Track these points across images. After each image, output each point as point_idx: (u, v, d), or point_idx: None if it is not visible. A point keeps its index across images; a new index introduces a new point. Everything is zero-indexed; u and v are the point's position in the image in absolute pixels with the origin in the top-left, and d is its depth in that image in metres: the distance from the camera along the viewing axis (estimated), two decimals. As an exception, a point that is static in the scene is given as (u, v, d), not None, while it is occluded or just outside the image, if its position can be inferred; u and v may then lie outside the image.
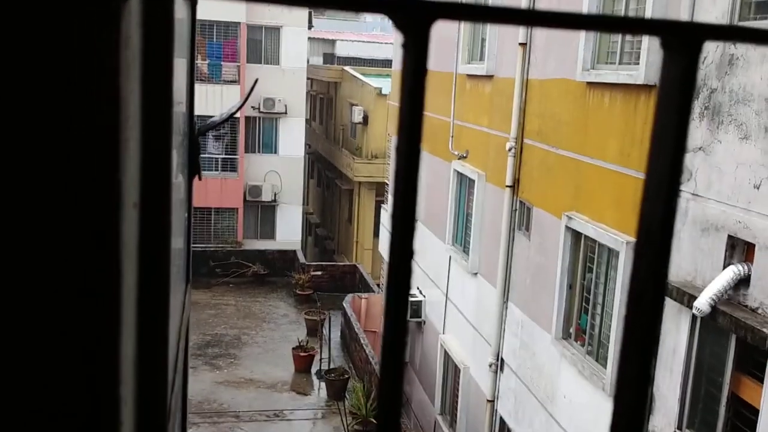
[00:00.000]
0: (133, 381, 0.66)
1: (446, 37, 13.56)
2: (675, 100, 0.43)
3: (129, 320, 0.58)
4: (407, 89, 0.45)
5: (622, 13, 8.25)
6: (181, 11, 1.22)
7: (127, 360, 0.58)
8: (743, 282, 6.12)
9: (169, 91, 0.71)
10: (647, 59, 7.46)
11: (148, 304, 0.67)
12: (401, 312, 0.43)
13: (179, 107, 1.36)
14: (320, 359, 17.59)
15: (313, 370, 17.86)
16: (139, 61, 0.57)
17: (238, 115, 25.24)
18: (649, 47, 7.45)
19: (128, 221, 0.54)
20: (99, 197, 0.46)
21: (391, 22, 0.44)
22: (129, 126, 0.51)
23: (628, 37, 8.19)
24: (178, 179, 1.23)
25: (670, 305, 7.01)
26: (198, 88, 26.32)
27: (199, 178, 1.63)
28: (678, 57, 0.43)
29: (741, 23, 6.31)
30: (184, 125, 1.45)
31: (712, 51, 6.56)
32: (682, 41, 0.43)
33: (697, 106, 6.78)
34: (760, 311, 5.96)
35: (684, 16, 6.89)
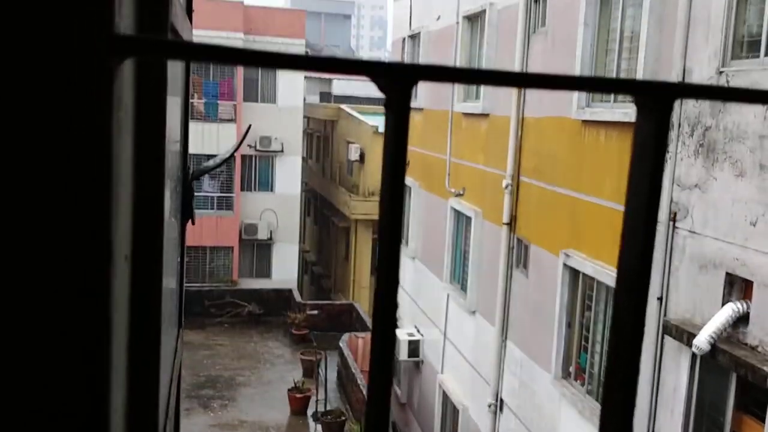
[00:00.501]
0: (124, 430, 0.65)
1: (441, 77, 13.71)
2: (648, 156, 0.44)
3: (119, 371, 0.57)
4: (389, 146, 0.45)
5: (616, 56, 8.37)
6: (174, 62, 1.23)
7: (117, 411, 0.58)
8: (742, 319, 6.09)
9: (162, 147, 0.72)
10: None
11: (139, 355, 0.66)
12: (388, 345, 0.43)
13: (173, 152, 1.37)
14: (316, 400, 17.37)
15: (309, 411, 17.62)
16: (132, 118, 0.57)
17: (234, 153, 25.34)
18: (642, 86, 7.53)
19: (119, 274, 0.53)
20: (89, 253, 0.46)
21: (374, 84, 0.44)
22: (121, 182, 0.51)
23: (623, 75, 8.30)
24: (171, 223, 1.23)
25: (669, 343, 6.97)
26: (194, 126, 26.43)
27: (192, 223, 1.63)
28: (650, 115, 0.43)
29: (733, 62, 6.39)
30: (177, 171, 1.46)
31: (703, 90, 6.63)
32: (654, 100, 0.43)
33: (692, 144, 6.83)
34: (759, 349, 5.92)
35: (677, 55, 6.99)
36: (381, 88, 0.44)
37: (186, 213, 1.52)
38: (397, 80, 0.43)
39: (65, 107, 0.43)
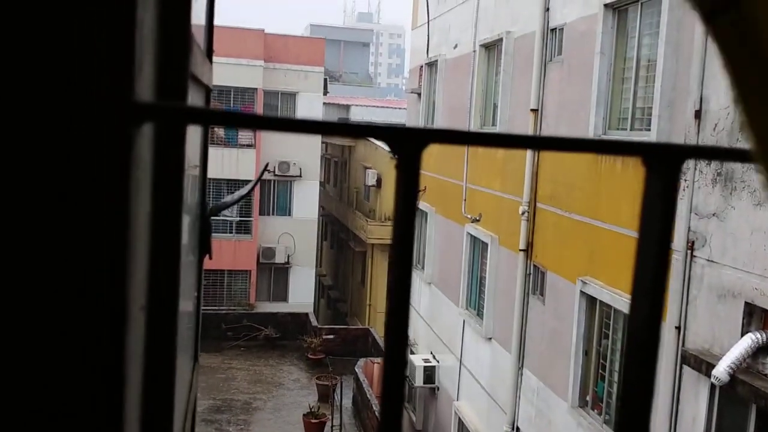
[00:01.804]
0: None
1: (459, 102, 13.79)
2: (657, 217, 0.45)
3: (131, 419, 0.58)
4: (400, 206, 0.47)
5: (632, 84, 8.37)
6: (196, 101, 1.26)
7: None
8: (762, 350, 6.01)
9: (179, 199, 0.74)
10: (659, 125, 7.53)
11: (152, 402, 0.68)
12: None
13: (192, 187, 1.39)
14: (332, 426, 17.25)
15: (325, 436, 17.51)
16: (149, 174, 0.60)
17: (253, 178, 25.53)
18: (660, 114, 7.53)
19: (134, 324, 0.55)
20: (104, 308, 0.48)
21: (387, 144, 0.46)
22: (138, 237, 0.54)
23: (639, 103, 8.30)
24: (188, 261, 1.25)
25: (688, 373, 6.88)
26: (214, 151, 26.54)
27: (210, 258, 1.65)
28: (658, 176, 0.45)
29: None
30: (196, 206, 1.49)
31: (723, 118, 6.62)
32: (662, 162, 0.45)
33: (709, 173, 6.80)
34: (780, 381, 5.82)
35: (694, 84, 6.98)
36: (393, 151, 0.46)
37: (204, 248, 1.55)
38: (408, 143, 0.45)
39: (84, 173, 0.45)
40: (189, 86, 0.84)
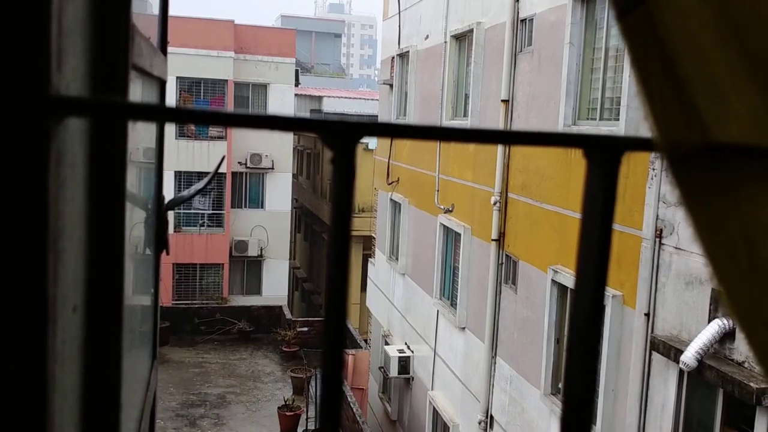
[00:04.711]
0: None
1: (431, 93, 13.80)
2: (598, 206, 0.44)
3: (68, 427, 0.56)
4: (336, 199, 0.46)
5: (601, 74, 8.44)
6: (148, 96, 1.23)
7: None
8: (729, 335, 6.12)
9: (120, 203, 0.71)
10: (627, 115, 7.60)
11: (96, 402, 0.66)
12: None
13: (146, 183, 1.36)
14: (306, 418, 17.26)
15: (300, 430, 17.50)
16: (83, 171, 0.57)
17: (224, 171, 25.35)
18: (629, 104, 7.60)
19: (64, 326, 0.53)
20: (24, 316, 0.45)
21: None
22: (65, 236, 0.51)
23: (608, 93, 8.37)
24: (141, 257, 1.22)
25: (657, 359, 6.98)
26: (185, 144, 26.31)
27: (167, 253, 1.62)
28: (599, 168, 0.44)
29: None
30: (151, 202, 1.45)
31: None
32: (603, 154, 0.44)
33: (676, 161, 6.88)
34: (746, 365, 5.94)
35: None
36: (327, 145, 0.45)
37: (160, 243, 1.52)
38: (342, 137, 0.44)
39: None
40: (134, 79, 0.81)
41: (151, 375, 1.50)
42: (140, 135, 1.16)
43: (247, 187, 26.90)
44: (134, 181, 1.02)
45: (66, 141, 0.51)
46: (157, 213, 1.50)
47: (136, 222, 1.07)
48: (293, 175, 29.19)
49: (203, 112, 0.41)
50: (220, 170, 25.06)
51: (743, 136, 0.42)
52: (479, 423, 11.11)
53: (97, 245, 0.64)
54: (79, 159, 0.57)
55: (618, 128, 7.77)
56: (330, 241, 0.43)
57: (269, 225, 26.69)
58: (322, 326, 0.47)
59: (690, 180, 0.44)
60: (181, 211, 24.59)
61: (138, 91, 1.02)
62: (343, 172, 0.43)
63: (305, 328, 23.24)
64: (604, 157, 0.44)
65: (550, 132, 0.46)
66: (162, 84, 1.46)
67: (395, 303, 16.04)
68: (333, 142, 0.42)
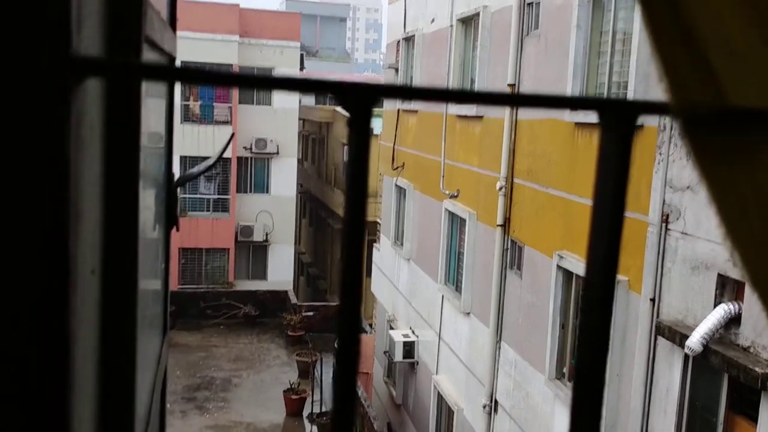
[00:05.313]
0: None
1: (437, 77, 13.74)
2: (612, 174, 0.44)
3: (86, 386, 0.57)
4: (352, 161, 0.47)
5: (608, 58, 8.39)
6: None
7: (83, 427, 0.58)
8: (734, 321, 6.12)
9: (136, 165, 0.72)
10: (634, 98, 7.56)
11: (112, 366, 0.67)
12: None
13: (156, 159, 1.37)
14: (312, 402, 17.37)
15: (305, 413, 17.62)
16: (99, 133, 0.58)
17: (229, 155, 25.34)
18: (635, 87, 7.56)
19: (83, 288, 0.54)
20: (46, 273, 0.46)
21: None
22: (84, 198, 0.52)
23: (615, 77, 8.33)
24: (152, 231, 1.23)
25: (662, 344, 6.99)
26: (190, 128, 26.24)
27: (177, 229, 1.63)
28: (613, 133, 0.44)
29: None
30: (161, 177, 1.46)
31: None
32: (618, 118, 0.44)
33: (683, 145, 6.85)
34: (751, 350, 5.94)
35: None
36: (344, 107, 0.45)
37: (170, 219, 1.53)
38: (359, 99, 0.44)
39: (18, 127, 0.43)
40: (145, 51, 0.82)
41: (162, 350, 1.51)
42: (150, 117, 1.17)
43: (252, 172, 26.91)
44: (145, 160, 1.03)
45: (85, 104, 0.51)
46: (167, 189, 1.51)
47: (150, 196, 1.08)
48: (298, 160, 29.18)
49: (217, 73, 0.42)
50: (226, 155, 25.06)
51: (759, 100, 0.42)
52: (484, 407, 11.16)
53: (112, 208, 0.64)
54: (97, 123, 0.57)
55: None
56: (346, 201, 0.43)
57: (274, 210, 26.72)
58: (338, 288, 0.47)
59: (704, 142, 0.44)
60: (187, 195, 24.64)
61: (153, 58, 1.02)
62: (360, 133, 0.44)
63: (310, 313, 23.33)
64: (619, 120, 0.44)
65: (566, 96, 0.46)
66: (172, 60, 1.47)
67: (400, 288, 16.08)
68: (350, 104, 0.43)
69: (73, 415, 0.51)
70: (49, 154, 0.44)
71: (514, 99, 0.43)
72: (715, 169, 0.45)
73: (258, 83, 0.43)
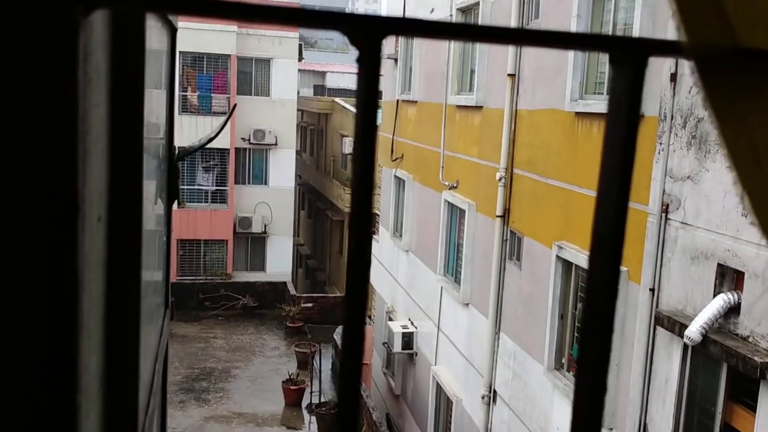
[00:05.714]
0: (99, 392, 0.65)
1: (436, 68, 13.71)
2: (623, 114, 0.44)
3: (93, 331, 0.57)
4: (361, 100, 0.46)
5: (611, 23, 8.36)
6: (160, 42, 1.23)
7: (90, 372, 0.57)
8: (733, 310, 6.12)
9: (140, 106, 0.71)
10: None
11: (117, 315, 0.66)
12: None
13: (158, 129, 1.36)
14: (311, 392, 17.40)
15: (304, 403, 17.66)
16: (106, 74, 0.57)
17: (228, 146, 25.30)
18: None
19: (91, 233, 0.53)
20: (55, 208, 0.46)
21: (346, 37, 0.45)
22: (90, 139, 0.51)
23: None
24: (157, 204, 1.23)
25: (661, 334, 7.00)
26: (188, 119, 26.16)
27: (179, 204, 1.63)
28: (625, 71, 0.43)
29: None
30: (163, 151, 1.46)
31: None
32: (629, 56, 0.43)
33: (684, 135, 6.85)
34: (750, 339, 5.95)
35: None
36: (352, 42, 0.44)
37: (172, 193, 1.52)
38: (368, 32, 0.43)
39: (26, 59, 0.43)
40: (148, 18, 0.81)
41: (164, 323, 1.51)
42: (152, 100, 1.16)
43: (250, 163, 26.87)
44: (147, 131, 1.02)
45: (91, 41, 0.50)
46: (168, 162, 1.50)
47: (152, 168, 1.07)
48: (297, 151, 29.13)
49: (221, 3, 0.41)
50: (224, 146, 25.01)
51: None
52: (482, 398, 11.19)
53: (118, 149, 0.64)
54: (103, 67, 0.57)
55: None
56: (355, 141, 0.43)
57: (273, 201, 26.70)
58: (348, 252, 0.47)
59: (716, 82, 0.43)
60: (185, 187, 24.61)
61: (155, 34, 1.01)
62: (368, 69, 0.43)
63: (309, 304, 23.35)
64: (630, 58, 0.43)
65: (575, 32, 0.45)
66: (173, 32, 1.46)
67: (399, 279, 16.09)
68: (359, 39, 0.42)
69: (80, 362, 0.51)
70: (58, 84, 0.44)
71: (522, 34, 0.42)
72: (726, 109, 0.44)
73: (264, 15, 0.42)
